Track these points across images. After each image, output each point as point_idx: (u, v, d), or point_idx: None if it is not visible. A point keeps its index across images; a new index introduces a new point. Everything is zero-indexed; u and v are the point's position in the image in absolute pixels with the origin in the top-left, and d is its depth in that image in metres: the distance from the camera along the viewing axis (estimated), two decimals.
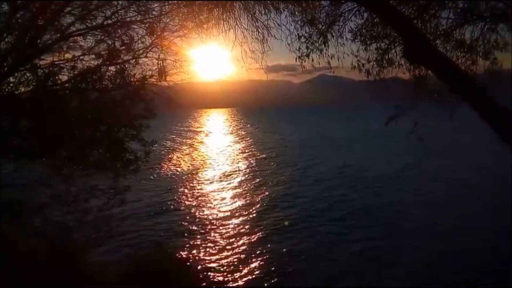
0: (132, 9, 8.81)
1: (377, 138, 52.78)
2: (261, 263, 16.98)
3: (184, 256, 16.35)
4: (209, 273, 15.91)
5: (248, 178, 38.37)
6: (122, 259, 13.62)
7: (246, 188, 33.62)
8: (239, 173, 41.52)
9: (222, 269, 16.43)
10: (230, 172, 42.06)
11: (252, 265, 16.72)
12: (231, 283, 15.25)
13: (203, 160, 50.96)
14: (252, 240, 20.38)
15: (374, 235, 20.07)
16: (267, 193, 31.15)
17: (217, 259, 17.42)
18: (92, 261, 11.24)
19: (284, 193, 30.87)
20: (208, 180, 38.06)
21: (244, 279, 15.62)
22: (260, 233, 21.32)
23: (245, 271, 16.26)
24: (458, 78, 5.16)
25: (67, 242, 10.06)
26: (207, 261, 17.21)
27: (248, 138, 77.96)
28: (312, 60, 7.30)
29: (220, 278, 15.61)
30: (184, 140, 77.26)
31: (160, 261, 11.07)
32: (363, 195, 28.79)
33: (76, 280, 9.25)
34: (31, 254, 9.33)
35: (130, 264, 11.58)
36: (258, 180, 36.88)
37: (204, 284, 14.87)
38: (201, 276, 15.26)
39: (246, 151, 59.81)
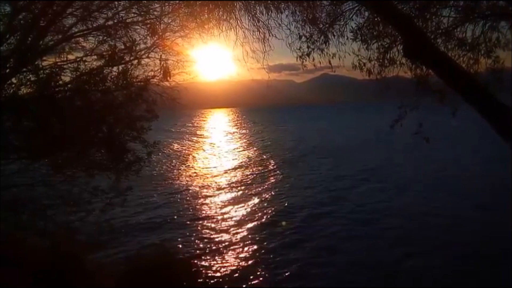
0: (133, 10, 8.84)
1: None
2: (264, 265, 16.86)
3: (185, 255, 16.32)
4: (211, 274, 15.86)
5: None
6: (123, 259, 13.60)
7: None
8: None
9: (224, 269, 16.40)
10: None
11: (257, 266, 16.63)
12: (233, 283, 15.19)
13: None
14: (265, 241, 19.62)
15: None
16: None
17: (219, 259, 17.38)
18: (93, 261, 11.24)
19: None
20: None
21: (246, 279, 15.57)
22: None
23: (248, 271, 16.20)
24: (458, 76, 5.14)
25: (69, 242, 10.09)
26: (209, 261, 17.16)
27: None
28: (313, 59, 7.32)
29: (222, 278, 15.57)
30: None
31: (161, 261, 11.07)
32: None
33: (76, 280, 9.27)
34: (33, 254, 9.35)
35: (131, 264, 11.59)
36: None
37: (205, 284, 14.83)
38: (203, 276, 15.22)
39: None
